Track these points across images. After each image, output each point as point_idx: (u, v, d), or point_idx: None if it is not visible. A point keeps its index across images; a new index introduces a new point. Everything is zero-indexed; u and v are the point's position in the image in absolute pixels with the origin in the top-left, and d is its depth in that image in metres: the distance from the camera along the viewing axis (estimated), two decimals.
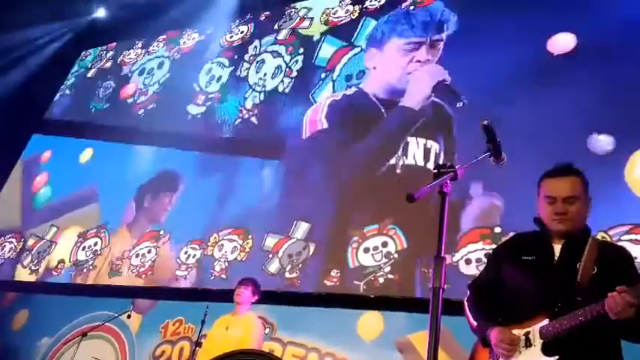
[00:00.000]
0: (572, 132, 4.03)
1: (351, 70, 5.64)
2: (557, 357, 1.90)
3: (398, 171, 4.69)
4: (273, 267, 4.91)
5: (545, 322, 1.96)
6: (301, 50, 6.16)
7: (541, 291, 2.01)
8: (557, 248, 2.06)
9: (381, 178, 4.76)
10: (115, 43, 8.54)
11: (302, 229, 4.94)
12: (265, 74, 6.21)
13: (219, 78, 6.58)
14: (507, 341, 1.98)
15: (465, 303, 2.23)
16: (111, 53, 8.50)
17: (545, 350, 1.93)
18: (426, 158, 4.64)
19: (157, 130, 6.49)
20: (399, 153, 4.72)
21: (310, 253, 4.79)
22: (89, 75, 8.36)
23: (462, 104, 4.62)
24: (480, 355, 2.12)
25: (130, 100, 7.22)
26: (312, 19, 6.50)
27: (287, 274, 4.79)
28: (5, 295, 6.45)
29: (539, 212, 2.13)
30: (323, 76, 5.78)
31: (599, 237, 3.17)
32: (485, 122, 1.88)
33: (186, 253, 5.50)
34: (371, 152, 4.91)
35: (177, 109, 6.53)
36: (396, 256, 4.39)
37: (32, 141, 7.91)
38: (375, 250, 4.50)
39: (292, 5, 6.92)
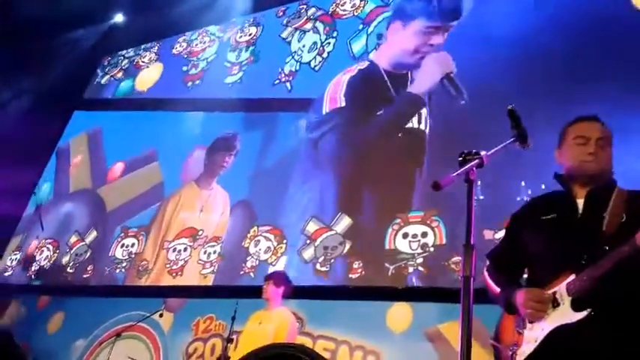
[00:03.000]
0: None
1: (382, 30, 5.90)
2: (589, 310, 1.77)
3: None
4: (308, 254, 4.93)
5: (572, 277, 1.84)
6: (335, 34, 6.35)
7: (565, 247, 1.90)
8: (581, 203, 1.97)
9: None
10: (132, 49, 8.71)
11: (344, 223, 4.91)
12: (304, 46, 6.50)
13: (248, 47, 7.01)
14: (536, 299, 1.86)
15: (485, 273, 2.12)
16: (126, 61, 8.66)
17: (575, 306, 1.81)
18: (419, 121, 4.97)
19: (204, 98, 6.96)
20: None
21: (345, 251, 4.77)
22: (103, 81, 8.58)
23: (463, 102, 4.77)
24: (506, 323, 2.03)
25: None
26: (315, 20, 6.61)
27: (318, 266, 4.80)
28: (40, 298, 6.61)
29: (564, 161, 2.05)
30: (360, 27, 6.06)
31: None
32: (510, 107, 1.84)
33: (205, 252, 5.60)
34: (376, 135, 5.17)
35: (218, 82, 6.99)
36: (432, 249, 4.33)
37: (76, 117, 8.25)
38: (413, 238, 4.46)
39: (305, 2, 6.96)
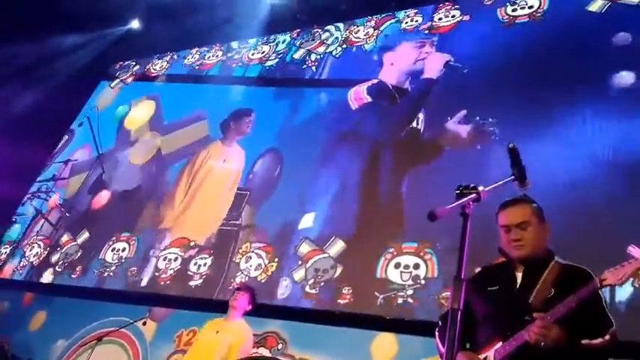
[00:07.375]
0: None
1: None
2: None
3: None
4: (298, 275, 4.91)
5: (499, 345, 2.03)
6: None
7: (500, 317, 2.11)
8: (520, 276, 2.17)
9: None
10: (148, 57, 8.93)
11: (337, 247, 4.92)
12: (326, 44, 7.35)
13: (284, 40, 7.72)
14: None
15: (436, 332, 2.34)
16: (137, 67, 8.85)
17: None
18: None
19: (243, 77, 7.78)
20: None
21: (336, 275, 4.75)
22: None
23: (465, 70, 5.56)
24: None
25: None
26: (329, 45, 7.09)
27: (307, 288, 4.78)
28: (25, 294, 6.55)
29: (501, 242, 2.23)
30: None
31: None
32: (511, 145, 1.87)
33: (195, 264, 5.58)
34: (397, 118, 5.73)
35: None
36: (423, 282, 4.33)
37: (136, 87, 8.71)
38: (405, 269, 4.46)
39: (321, 26, 7.30)
